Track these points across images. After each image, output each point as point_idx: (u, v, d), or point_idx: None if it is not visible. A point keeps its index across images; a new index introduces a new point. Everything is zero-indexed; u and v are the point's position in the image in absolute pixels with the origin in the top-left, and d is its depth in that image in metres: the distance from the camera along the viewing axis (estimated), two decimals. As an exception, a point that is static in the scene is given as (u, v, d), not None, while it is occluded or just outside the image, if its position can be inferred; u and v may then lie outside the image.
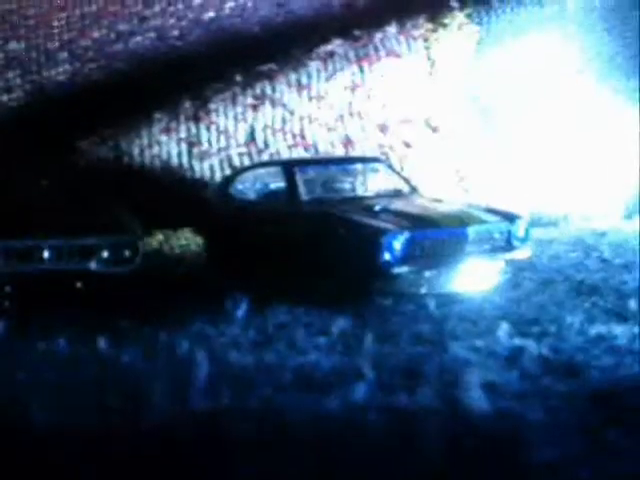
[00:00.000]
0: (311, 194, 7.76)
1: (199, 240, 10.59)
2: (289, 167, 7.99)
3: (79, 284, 6.55)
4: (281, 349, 5.58)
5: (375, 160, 9.07)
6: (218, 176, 10.98)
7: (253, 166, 9.58)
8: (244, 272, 8.07)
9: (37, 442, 4.01)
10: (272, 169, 8.59)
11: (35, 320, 6.34)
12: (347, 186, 8.09)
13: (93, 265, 6.61)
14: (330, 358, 5.33)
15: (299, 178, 7.79)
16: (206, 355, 5.29)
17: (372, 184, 8.22)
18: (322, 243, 6.95)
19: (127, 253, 6.71)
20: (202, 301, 6.98)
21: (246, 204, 8.61)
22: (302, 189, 7.69)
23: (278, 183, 8.24)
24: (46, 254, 6.51)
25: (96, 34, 13.50)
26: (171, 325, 6.13)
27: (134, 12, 13.64)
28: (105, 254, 6.64)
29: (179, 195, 10.59)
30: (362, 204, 7.55)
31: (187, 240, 10.36)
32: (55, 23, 13.58)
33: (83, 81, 13.17)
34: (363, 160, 8.98)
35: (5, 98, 13.10)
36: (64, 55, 13.46)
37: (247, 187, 8.83)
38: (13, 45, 13.41)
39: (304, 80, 11.66)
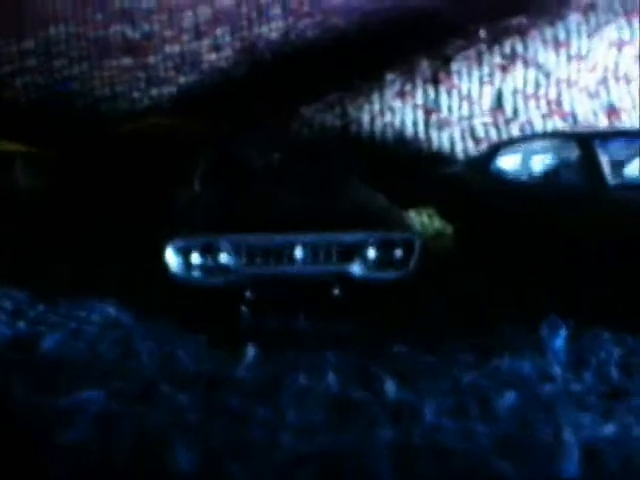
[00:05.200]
0: (619, 177, 5.91)
1: (426, 221, 9.16)
2: (586, 140, 6.15)
3: (336, 291, 5.03)
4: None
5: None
6: (459, 149, 9.35)
7: (524, 138, 7.78)
8: (510, 271, 6.47)
9: None
10: (554, 142, 6.75)
11: (281, 336, 4.96)
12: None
13: (356, 268, 5.06)
14: None
15: (601, 155, 5.97)
16: (548, 415, 3.69)
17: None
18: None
19: (399, 254, 5.11)
20: (486, 313, 5.37)
21: (515, 185, 6.88)
22: (607, 170, 5.86)
23: (563, 161, 6.47)
24: (298, 253, 5.02)
25: (311, -14, 12.10)
26: (464, 356, 4.54)
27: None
28: (371, 254, 5.08)
29: (414, 170, 9.05)
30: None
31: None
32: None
33: (298, 38, 11.80)
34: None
35: (213, 57, 11.93)
36: (276, 10, 12.13)
37: (516, 164, 7.12)
38: (222, -1, 12.19)
39: (561, 36, 9.73)
